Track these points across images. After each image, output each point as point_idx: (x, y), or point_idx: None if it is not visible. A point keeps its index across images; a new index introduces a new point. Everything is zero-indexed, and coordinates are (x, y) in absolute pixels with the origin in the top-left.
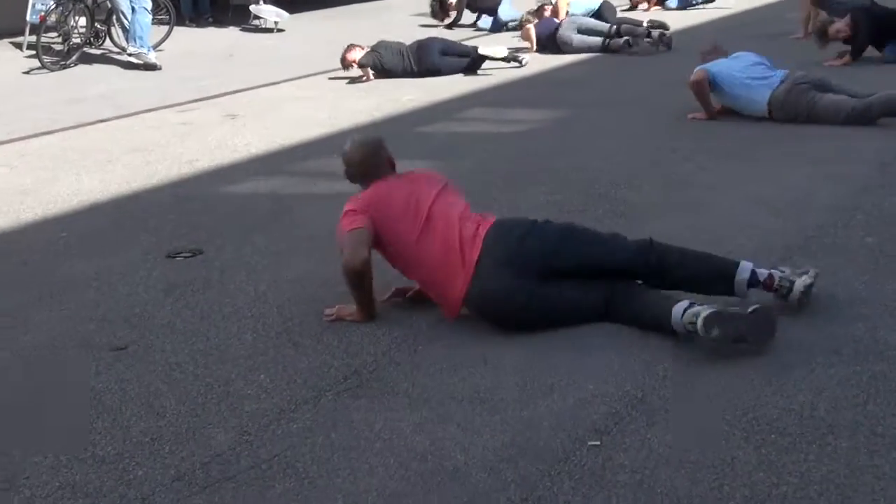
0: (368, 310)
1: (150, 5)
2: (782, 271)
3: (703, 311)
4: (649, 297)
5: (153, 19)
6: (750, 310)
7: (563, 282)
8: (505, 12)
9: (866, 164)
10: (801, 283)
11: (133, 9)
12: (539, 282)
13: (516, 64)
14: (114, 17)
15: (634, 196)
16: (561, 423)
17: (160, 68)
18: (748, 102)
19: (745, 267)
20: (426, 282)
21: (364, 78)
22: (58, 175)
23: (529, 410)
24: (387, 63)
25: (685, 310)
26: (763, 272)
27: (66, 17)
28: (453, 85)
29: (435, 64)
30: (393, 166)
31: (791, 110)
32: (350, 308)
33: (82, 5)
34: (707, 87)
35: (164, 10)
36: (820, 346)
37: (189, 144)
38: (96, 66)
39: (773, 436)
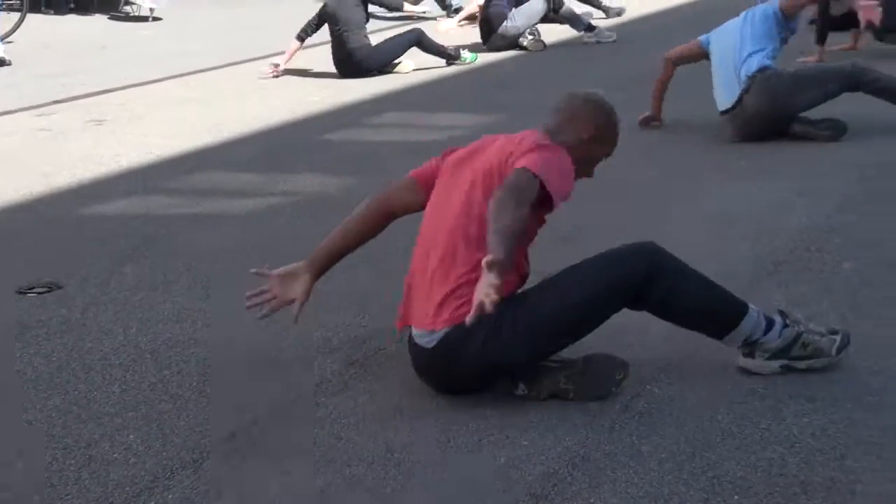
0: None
1: None
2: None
3: None
4: None
5: (0, 4)
6: (581, 357)
7: None
8: None
9: (845, 179)
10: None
11: None
12: None
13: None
14: None
15: (581, 216)
16: (490, 487)
17: (9, 63)
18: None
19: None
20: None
21: None
22: None
23: (453, 472)
24: None
25: None
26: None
27: None
28: (366, 85)
29: None
30: None
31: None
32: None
33: None
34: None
35: None
36: (790, 392)
37: (46, 155)
38: None
39: (736, 497)
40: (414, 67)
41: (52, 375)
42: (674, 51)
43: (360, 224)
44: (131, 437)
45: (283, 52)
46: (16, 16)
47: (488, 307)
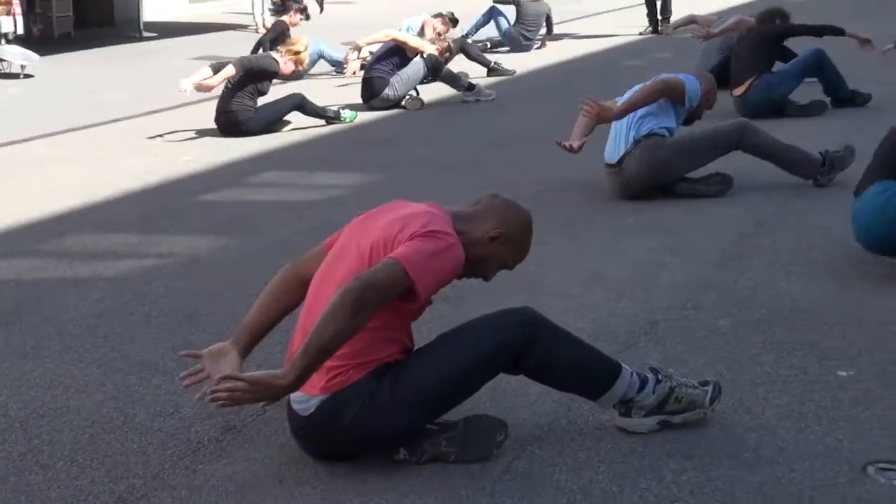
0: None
1: None
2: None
3: None
4: None
5: None
6: (461, 419)
7: None
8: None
9: (722, 236)
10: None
11: None
12: None
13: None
14: None
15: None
16: None
17: None
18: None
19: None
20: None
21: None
22: None
23: None
24: None
25: None
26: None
27: None
28: (245, 144)
29: None
30: None
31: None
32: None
33: None
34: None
35: None
36: (669, 450)
37: None
38: None
39: None
40: (293, 127)
41: None
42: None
43: (276, 296)
44: None
45: (157, 111)
46: None
47: (221, 397)
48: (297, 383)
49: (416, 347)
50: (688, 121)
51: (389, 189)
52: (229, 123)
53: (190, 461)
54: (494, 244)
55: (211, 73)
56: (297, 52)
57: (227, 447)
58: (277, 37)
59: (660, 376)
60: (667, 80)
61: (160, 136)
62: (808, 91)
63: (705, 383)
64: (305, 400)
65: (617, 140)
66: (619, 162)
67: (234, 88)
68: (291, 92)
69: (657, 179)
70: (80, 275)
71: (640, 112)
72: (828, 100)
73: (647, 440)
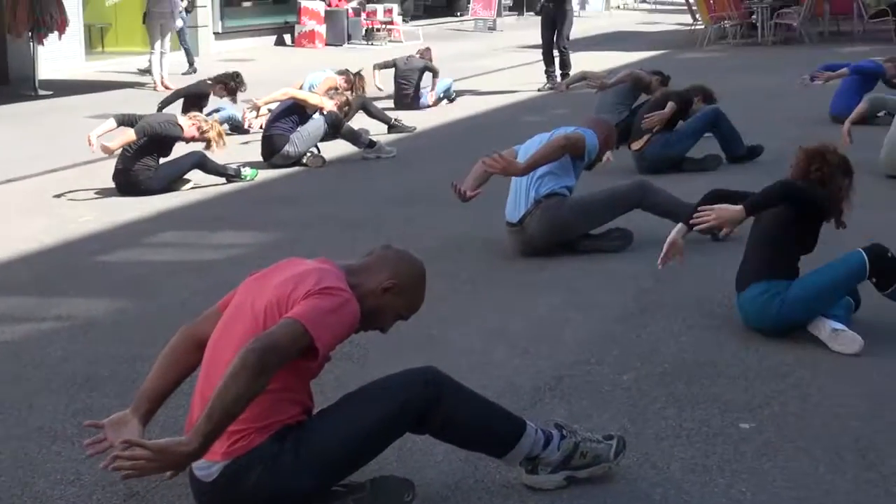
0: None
1: None
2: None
3: None
4: None
5: None
6: (368, 480)
7: None
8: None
9: (623, 291)
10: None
11: None
12: None
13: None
14: None
15: (359, 336)
16: None
17: None
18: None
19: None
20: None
21: None
22: None
23: None
24: None
25: None
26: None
27: None
28: (144, 203)
29: None
30: None
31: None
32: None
33: None
34: None
35: None
36: (569, 499)
37: None
38: None
39: None
40: (193, 185)
41: None
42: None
43: (173, 360)
44: None
45: (55, 170)
46: None
47: (125, 466)
48: (202, 450)
49: (319, 408)
50: (589, 166)
51: (290, 247)
52: (128, 183)
53: None
54: (388, 295)
55: (115, 125)
56: (204, 131)
57: None
58: (195, 96)
59: (564, 432)
60: (568, 137)
61: (58, 195)
62: (705, 145)
63: (609, 437)
64: (207, 466)
65: (517, 199)
66: (521, 221)
67: (135, 152)
68: (191, 150)
69: (558, 239)
70: None
71: (540, 171)
72: (723, 155)
73: (554, 496)
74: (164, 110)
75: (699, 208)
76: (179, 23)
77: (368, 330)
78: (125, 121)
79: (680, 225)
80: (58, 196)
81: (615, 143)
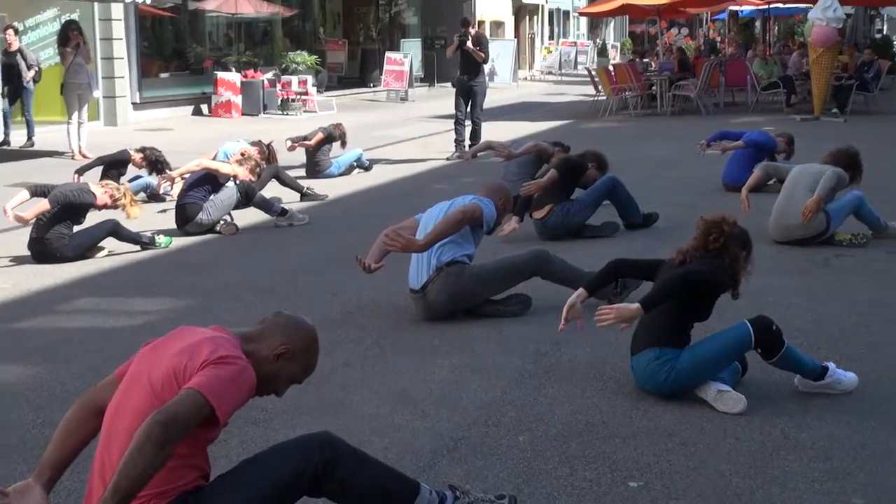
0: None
1: None
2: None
3: None
4: None
5: None
6: None
7: None
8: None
9: (521, 355)
10: None
11: None
12: None
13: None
14: None
15: (270, 398)
16: None
17: None
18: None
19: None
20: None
21: None
22: None
23: None
24: None
25: None
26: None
27: None
28: (60, 270)
29: None
30: None
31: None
32: None
33: None
34: None
35: None
36: None
37: None
38: None
39: None
40: (108, 252)
41: None
42: (397, 226)
43: (72, 429)
44: None
45: None
46: None
47: None
48: None
49: (222, 472)
50: (489, 232)
51: (202, 314)
52: (43, 251)
53: None
54: (282, 360)
55: (28, 196)
56: (116, 199)
57: None
58: (115, 163)
59: (458, 493)
60: (465, 210)
61: None
62: (603, 213)
63: (501, 497)
64: None
65: (419, 266)
66: (423, 288)
67: (49, 220)
68: (106, 218)
69: (458, 306)
70: None
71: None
72: (621, 221)
73: None
74: (83, 177)
75: (601, 303)
76: (97, 93)
77: (263, 395)
78: (38, 191)
79: (580, 290)
80: None
81: (512, 207)
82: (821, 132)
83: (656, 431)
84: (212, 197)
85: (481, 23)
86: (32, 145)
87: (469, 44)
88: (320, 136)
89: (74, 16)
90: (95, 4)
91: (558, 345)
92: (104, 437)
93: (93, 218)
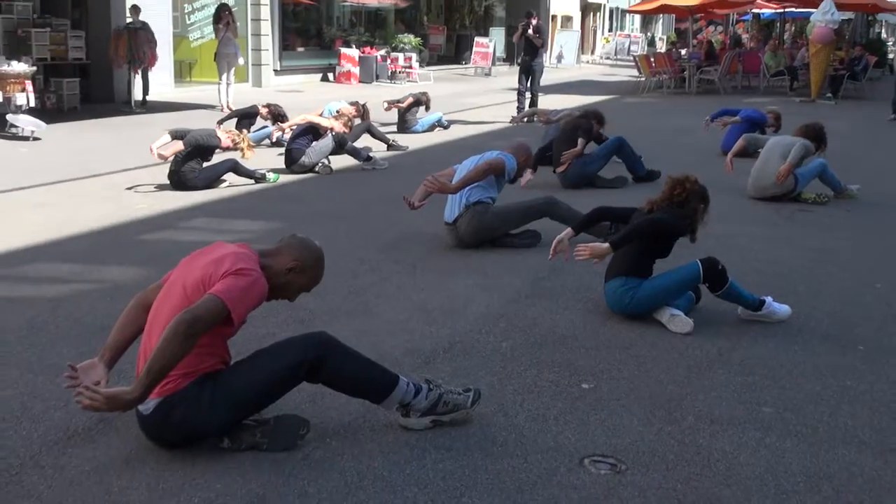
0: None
1: None
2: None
3: None
4: None
5: None
6: (273, 416)
7: None
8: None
9: (521, 278)
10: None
11: None
12: None
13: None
14: None
15: (317, 303)
16: None
17: None
18: None
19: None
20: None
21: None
22: None
23: None
24: None
25: None
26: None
27: None
28: (187, 196)
29: None
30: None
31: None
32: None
33: None
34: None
35: None
36: (434, 444)
37: None
38: None
39: None
40: (229, 184)
41: None
42: (437, 173)
43: (128, 321)
44: None
45: (129, 169)
46: None
47: (84, 402)
48: (142, 398)
49: (237, 359)
50: (511, 181)
51: (287, 233)
52: (179, 181)
53: (63, 446)
54: (292, 274)
55: (170, 139)
56: (236, 142)
57: (95, 435)
58: (247, 115)
59: (431, 385)
60: (490, 162)
61: (128, 188)
62: (616, 168)
63: (468, 390)
64: (146, 403)
65: (452, 205)
66: (454, 221)
67: (184, 157)
68: (228, 157)
69: (482, 237)
70: (26, 294)
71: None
72: (630, 175)
73: (421, 435)
74: (224, 125)
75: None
76: (241, 60)
77: (278, 299)
78: (177, 134)
79: (568, 229)
80: (128, 188)
81: (532, 164)
82: (814, 112)
83: (615, 344)
84: (312, 144)
85: (554, 17)
86: (145, 104)
87: (530, 31)
88: (410, 100)
89: (229, 1)
90: None
91: (554, 272)
92: (147, 330)
93: (219, 158)
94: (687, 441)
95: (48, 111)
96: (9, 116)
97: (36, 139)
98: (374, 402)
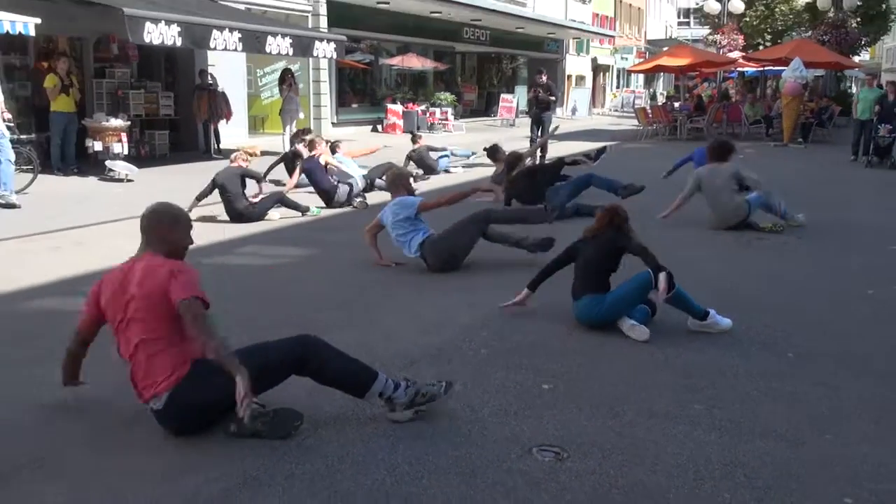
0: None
1: (13, 157)
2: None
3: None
4: None
5: (17, 169)
6: (273, 409)
7: None
8: None
9: (505, 297)
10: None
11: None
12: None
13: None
14: None
15: (327, 317)
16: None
17: (19, 207)
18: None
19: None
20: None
21: None
22: None
23: (172, 485)
24: None
25: None
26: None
27: None
28: (243, 227)
29: None
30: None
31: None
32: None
33: None
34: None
35: (28, 160)
36: (409, 433)
37: (15, 264)
38: None
39: None
40: (280, 216)
41: None
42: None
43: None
44: None
45: (204, 205)
46: (30, 175)
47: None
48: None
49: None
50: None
51: (319, 257)
52: (235, 214)
53: (129, 427)
54: (172, 236)
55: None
56: (246, 160)
57: (100, 431)
58: (292, 156)
59: (409, 382)
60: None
61: (200, 220)
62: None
63: (440, 381)
64: (158, 400)
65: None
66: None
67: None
68: (273, 191)
69: (451, 261)
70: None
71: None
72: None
73: (398, 427)
74: (271, 172)
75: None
76: (301, 115)
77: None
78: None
79: (525, 290)
80: (201, 221)
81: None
82: (786, 153)
83: (577, 351)
84: (348, 181)
85: (569, 76)
86: (220, 151)
87: (540, 92)
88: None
89: (294, 66)
90: (310, 59)
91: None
92: (131, 357)
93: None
94: (625, 433)
95: (142, 158)
96: (107, 162)
97: (129, 181)
98: (358, 396)
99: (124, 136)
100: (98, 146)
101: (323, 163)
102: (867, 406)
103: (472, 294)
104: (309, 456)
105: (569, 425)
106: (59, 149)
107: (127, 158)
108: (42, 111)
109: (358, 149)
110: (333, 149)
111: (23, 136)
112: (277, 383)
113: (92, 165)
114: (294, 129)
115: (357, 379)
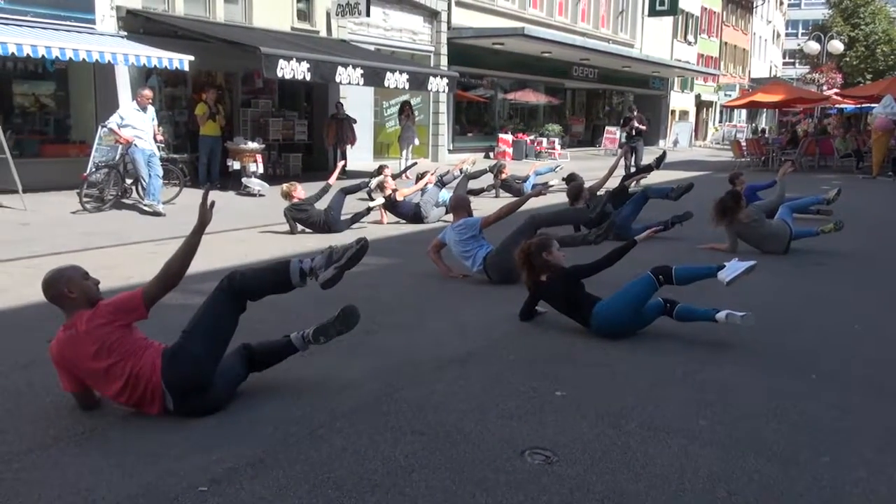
0: None
1: (161, 173)
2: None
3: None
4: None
5: (165, 182)
6: (339, 311)
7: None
8: None
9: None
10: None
11: (150, 174)
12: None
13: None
14: (138, 179)
15: (382, 319)
16: (184, 479)
17: (164, 215)
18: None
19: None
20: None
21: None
22: None
23: (180, 463)
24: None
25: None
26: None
27: (105, 178)
28: (331, 237)
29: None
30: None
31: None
32: None
33: (116, 171)
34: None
35: (176, 176)
36: (413, 429)
37: (133, 266)
38: (123, 211)
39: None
40: (359, 225)
41: None
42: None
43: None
44: None
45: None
46: (176, 189)
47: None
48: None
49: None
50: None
51: (396, 266)
52: (326, 226)
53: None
54: (75, 294)
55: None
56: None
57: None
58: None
59: (322, 251)
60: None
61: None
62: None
63: (358, 241)
64: (165, 397)
65: (469, 261)
66: (484, 271)
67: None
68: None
69: (508, 275)
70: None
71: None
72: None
73: (404, 423)
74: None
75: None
76: (417, 141)
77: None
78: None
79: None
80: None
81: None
82: (873, 185)
83: (601, 363)
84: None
85: (673, 111)
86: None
87: (634, 122)
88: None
89: (415, 100)
90: (430, 93)
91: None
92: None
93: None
94: (619, 443)
95: (277, 177)
96: (244, 179)
97: (261, 195)
98: (289, 289)
99: (259, 158)
100: (237, 165)
101: (400, 197)
102: (876, 433)
103: (516, 305)
104: (317, 444)
105: (567, 431)
106: (205, 167)
107: (262, 177)
108: (194, 135)
109: (409, 189)
110: (380, 171)
111: (175, 156)
112: (234, 327)
113: (232, 182)
114: (411, 155)
115: (277, 277)
